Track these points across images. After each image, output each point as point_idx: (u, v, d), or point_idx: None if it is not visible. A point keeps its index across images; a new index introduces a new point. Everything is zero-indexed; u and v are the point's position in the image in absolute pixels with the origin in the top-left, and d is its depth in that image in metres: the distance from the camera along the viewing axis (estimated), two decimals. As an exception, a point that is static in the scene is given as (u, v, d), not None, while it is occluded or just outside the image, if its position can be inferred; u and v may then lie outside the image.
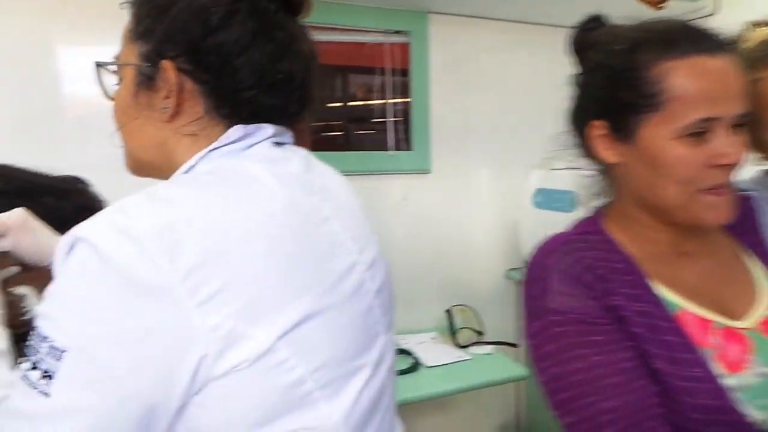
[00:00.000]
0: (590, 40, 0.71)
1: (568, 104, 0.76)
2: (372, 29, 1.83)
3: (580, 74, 0.74)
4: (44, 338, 0.48)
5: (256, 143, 0.60)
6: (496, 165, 2.06)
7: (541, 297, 0.67)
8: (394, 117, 1.92)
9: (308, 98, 0.65)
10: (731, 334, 0.64)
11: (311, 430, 0.54)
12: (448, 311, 1.86)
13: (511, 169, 2.06)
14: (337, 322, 0.57)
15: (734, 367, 0.62)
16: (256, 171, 0.57)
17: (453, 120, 1.97)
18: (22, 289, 0.79)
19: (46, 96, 1.49)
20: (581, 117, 0.72)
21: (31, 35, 1.46)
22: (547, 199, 1.88)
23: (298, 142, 0.70)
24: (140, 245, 0.47)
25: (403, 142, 1.93)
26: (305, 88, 0.64)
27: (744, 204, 0.76)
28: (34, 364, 0.48)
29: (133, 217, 0.48)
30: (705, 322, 0.64)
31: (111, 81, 0.66)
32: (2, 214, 0.80)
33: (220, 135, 0.59)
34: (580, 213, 1.86)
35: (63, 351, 0.47)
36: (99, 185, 1.09)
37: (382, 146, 1.91)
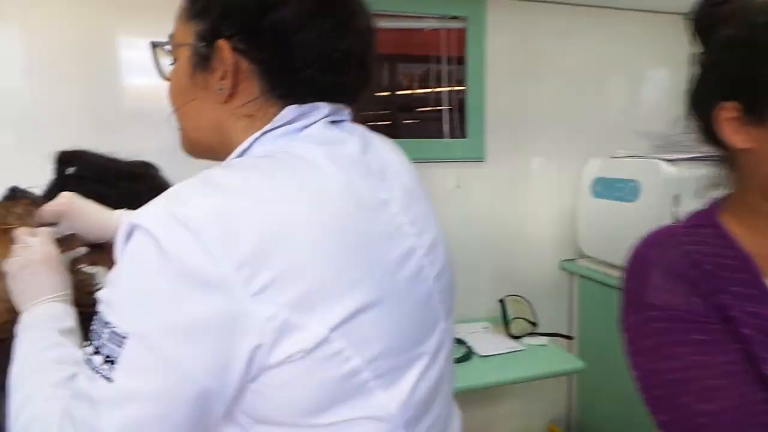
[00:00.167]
0: (720, 14, 0.64)
1: (688, 85, 0.68)
2: (428, 15, 1.81)
3: (705, 53, 0.66)
4: (106, 324, 0.49)
5: (312, 123, 0.59)
6: (552, 153, 2.01)
7: (640, 290, 0.64)
8: (449, 104, 1.90)
9: (367, 77, 0.63)
10: None
11: (368, 420, 0.53)
12: (501, 301, 1.84)
13: (567, 157, 2.01)
14: (394, 311, 0.55)
15: None
16: (311, 154, 0.55)
17: (509, 107, 1.93)
18: (91, 268, 0.83)
19: (107, 85, 1.55)
20: (707, 99, 0.65)
21: (93, 26, 1.52)
22: (607, 188, 1.82)
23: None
24: (196, 235, 0.46)
25: (458, 130, 1.91)
26: (364, 66, 0.62)
27: None
28: (97, 348, 0.49)
29: (188, 205, 0.48)
30: None
31: (166, 61, 0.65)
32: (50, 202, 0.81)
33: (276, 116, 0.58)
34: (641, 203, 1.79)
35: (123, 337, 0.47)
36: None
37: (436, 134, 1.89)
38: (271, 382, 0.50)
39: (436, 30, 1.83)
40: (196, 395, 0.48)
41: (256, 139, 0.58)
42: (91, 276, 0.82)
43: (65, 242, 0.79)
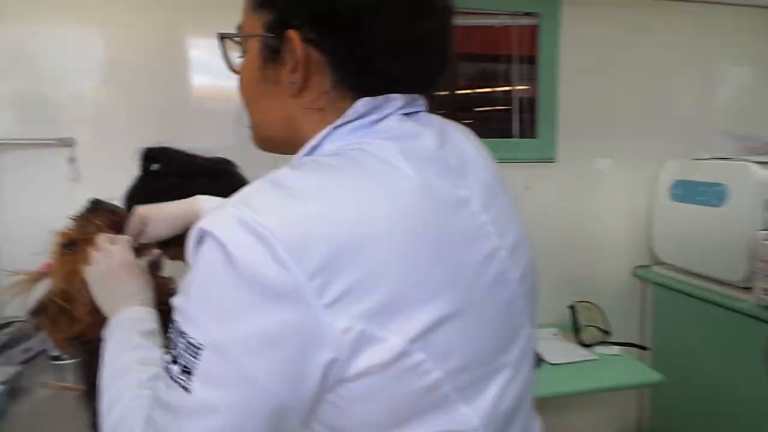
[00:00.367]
0: None
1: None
2: (499, 11, 1.77)
3: None
4: (181, 333, 0.48)
5: (385, 117, 0.55)
6: (626, 154, 1.92)
7: None
8: (519, 103, 1.85)
9: (445, 62, 0.58)
10: None
11: None
12: (571, 307, 1.77)
13: (642, 158, 1.91)
14: (476, 320, 0.52)
15: None
16: (384, 151, 0.52)
17: (581, 106, 1.85)
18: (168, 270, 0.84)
19: (176, 85, 1.59)
20: None
21: (165, 27, 1.56)
22: (688, 191, 1.71)
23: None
24: (266, 243, 0.44)
25: (528, 130, 1.85)
26: (442, 50, 0.57)
27: None
28: (174, 357, 0.48)
29: (259, 211, 0.45)
30: None
31: (236, 54, 0.62)
32: (139, 207, 0.83)
33: (348, 108, 0.54)
34: (729, 208, 1.68)
35: (198, 348, 0.46)
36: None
37: (503, 134, 1.85)
38: (349, 394, 0.48)
39: (506, 27, 1.78)
40: (272, 408, 0.47)
41: (326, 135, 0.55)
42: (169, 279, 0.84)
43: (143, 248, 0.81)
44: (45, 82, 1.50)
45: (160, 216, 0.86)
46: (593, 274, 1.94)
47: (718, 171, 1.62)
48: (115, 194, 1.49)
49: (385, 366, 0.46)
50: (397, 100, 0.56)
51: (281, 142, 0.62)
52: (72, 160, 1.49)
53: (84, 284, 0.75)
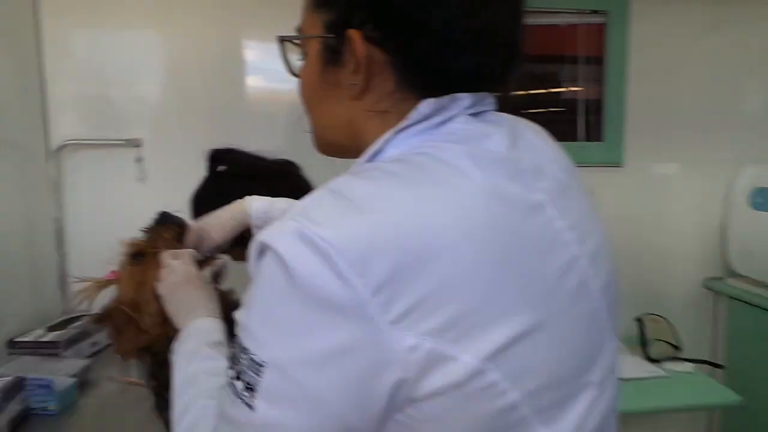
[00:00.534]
0: None
1: None
2: (564, 9, 1.71)
3: None
4: (244, 349, 0.46)
5: (451, 118, 0.52)
6: (698, 158, 1.81)
7: None
8: (585, 105, 1.78)
9: (514, 56, 0.54)
10: None
11: None
12: (638, 320, 1.68)
13: (716, 163, 1.80)
14: (556, 335, 0.48)
15: None
16: (451, 155, 0.49)
17: (650, 108, 1.77)
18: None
19: (232, 86, 1.61)
20: None
21: (221, 30, 1.59)
22: (771, 199, 1.60)
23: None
24: (327, 257, 0.42)
25: (594, 133, 1.78)
26: (512, 42, 0.54)
27: None
28: (237, 373, 0.47)
29: (318, 223, 0.43)
30: None
31: (296, 56, 0.60)
32: (197, 220, 0.85)
33: (412, 110, 0.51)
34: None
35: (261, 366, 0.45)
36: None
37: (567, 137, 1.78)
38: (419, 415, 0.45)
39: (572, 26, 1.72)
40: (337, 428, 0.44)
41: (388, 140, 0.52)
42: (230, 291, 0.84)
43: (206, 258, 0.83)
44: (110, 85, 1.55)
45: (213, 225, 0.89)
46: (661, 286, 1.84)
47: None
48: (177, 195, 1.53)
49: (457, 386, 0.43)
50: (464, 99, 0.52)
51: (343, 147, 0.59)
52: (139, 160, 1.53)
53: (152, 296, 0.77)
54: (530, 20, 0.57)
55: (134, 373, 1.24)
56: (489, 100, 0.55)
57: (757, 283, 1.68)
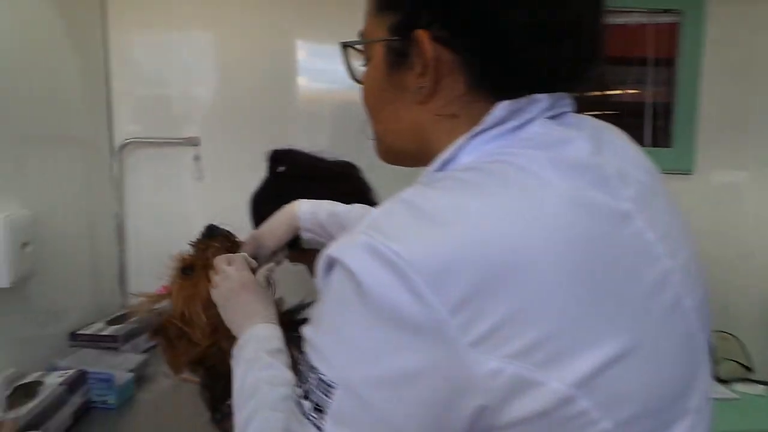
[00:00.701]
0: None
1: None
2: (635, 8, 1.63)
3: None
4: (312, 368, 0.44)
5: (528, 121, 0.48)
6: (775, 167, 1.70)
7: None
8: (653, 109, 1.69)
9: (595, 52, 0.51)
10: None
11: None
12: (706, 337, 1.59)
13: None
14: (651, 359, 0.44)
15: None
16: (529, 162, 0.45)
17: (725, 113, 1.66)
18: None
19: (286, 87, 1.61)
20: None
21: (275, 29, 1.59)
22: None
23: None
24: (400, 273, 0.39)
25: (662, 138, 1.69)
26: (594, 39, 0.50)
27: None
28: (305, 392, 0.45)
29: (392, 237, 0.41)
30: None
31: (358, 62, 0.59)
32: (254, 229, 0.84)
33: (483, 113, 0.48)
34: None
35: (330, 386, 0.42)
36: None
37: (636, 141, 1.69)
38: None
39: (642, 25, 1.64)
40: None
41: (461, 146, 0.49)
42: (280, 299, 0.84)
43: (258, 264, 0.83)
44: (168, 85, 1.58)
45: (266, 232, 0.89)
46: (732, 302, 1.72)
47: None
48: (232, 194, 1.54)
49: (543, 414, 0.40)
50: (542, 100, 0.48)
51: (409, 155, 0.57)
52: (197, 158, 1.55)
53: (202, 308, 0.78)
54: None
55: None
56: (567, 101, 0.52)
57: (840, 303, 1.56)
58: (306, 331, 0.46)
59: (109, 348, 1.28)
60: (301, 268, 1.08)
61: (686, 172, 1.68)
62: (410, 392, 0.41)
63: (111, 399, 1.07)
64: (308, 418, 0.44)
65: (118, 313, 1.45)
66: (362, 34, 0.57)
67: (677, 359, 0.47)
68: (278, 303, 0.83)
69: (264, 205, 1.10)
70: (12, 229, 1.05)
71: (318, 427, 0.43)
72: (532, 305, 0.40)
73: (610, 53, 1.72)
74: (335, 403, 0.42)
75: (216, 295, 0.76)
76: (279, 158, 1.12)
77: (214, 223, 0.83)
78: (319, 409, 0.43)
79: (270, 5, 1.57)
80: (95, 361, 1.19)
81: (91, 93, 1.48)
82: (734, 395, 1.45)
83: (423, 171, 0.53)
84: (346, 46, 0.58)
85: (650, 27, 1.64)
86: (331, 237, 0.85)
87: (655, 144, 1.69)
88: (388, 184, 1.13)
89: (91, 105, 1.48)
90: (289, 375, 0.65)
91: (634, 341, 0.42)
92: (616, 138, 0.55)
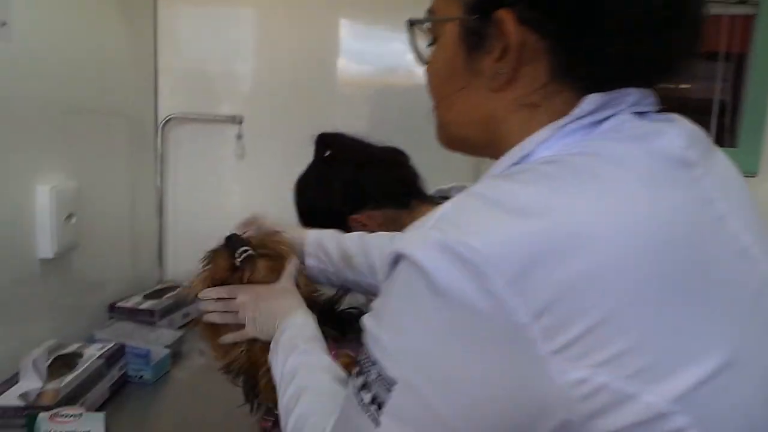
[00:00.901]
0: None
1: None
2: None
3: None
4: (374, 362, 0.42)
5: (612, 116, 0.45)
6: None
7: None
8: (720, 106, 1.60)
9: (697, 46, 0.47)
10: None
11: None
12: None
13: None
14: (754, 371, 0.40)
15: None
16: (619, 154, 0.42)
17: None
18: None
19: (322, 67, 1.57)
20: None
21: (319, 8, 1.54)
22: None
23: None
24: (477, 272, 0.36)
25: (727, 137, 1.59)
26: (696, 30, 0.46)
27: None
28: (365, 383, 0.43)
29: (467, 232, 0.37)
30: None
31: (424, 42, 0.55)
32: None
33: (566, 105, 0.45)
34: None
35: (391, 383, 0.41)
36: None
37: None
38: None
39: (716, 17, 1.54)
40: None
41: (545, 139, 0.45)
42: (315, 289, 0.83)
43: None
44: (212, 63, 1.56)
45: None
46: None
47: None
48: (271, 173, 1.52)
49: (634, 430, 0.36)
50: (632, 95, 0.45)
51: (475, 143, 0.53)
52: (239, 137, 1.53)
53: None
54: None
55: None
56: (652, 98, 0.47)
57: None
58: (367, 322, 0.44)
59: (145, 322, 1.28)
60: None
61: (751, 174, 1.58)
62: (480, 401, 0.38)
63: (147, 374, 1.07)
64: (366, 411, 0.43)
65: (155, 288, 1.46)
66: (431, 11, 0.53)
67: None
68: (316, 294, 0.81)
69: (309, 190, 1.07)
70: (58, 200, 1.05)
71: (375, 421, 0.42)
72: (625, 309, 0.36)
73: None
74: (394, 400, 0.41)
75: (245, 320, 0.75)
76: (326, 142, 1.08)
77: (236, 233, 0.79)
78: (377, 402, 0.42)
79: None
80: (132, 335, 1.19)
81: (139, 68, 1.47)
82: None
83: (492, 164, 0.50)
84: (412, 23, 0.54)
85: (724, 19, 1.54)
86: (334, 265, 0.84)
87: (719, 143, 1.58)
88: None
89: (139, 80, 1.47)
90: (327, 360, 0.66)
91: (737, 352, 0.39)
92: (702, 135, 0.50)
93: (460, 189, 1.08)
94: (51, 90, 1.07)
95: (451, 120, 0.54)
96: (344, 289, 0.85)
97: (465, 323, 0.37)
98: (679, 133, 0.45)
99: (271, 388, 0.72)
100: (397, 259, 0.41)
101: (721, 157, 0.51)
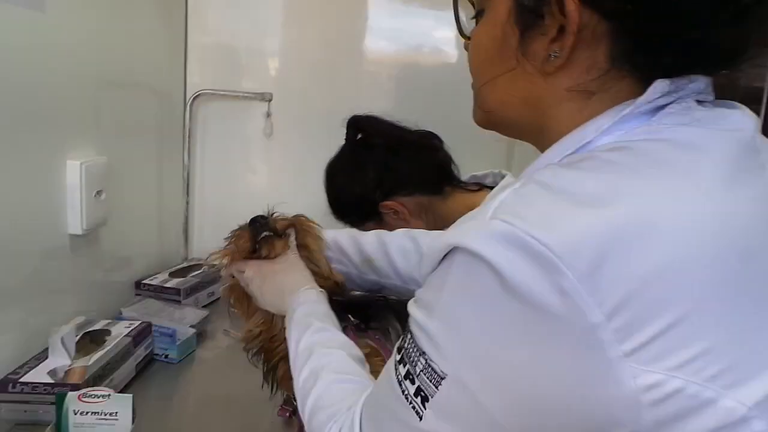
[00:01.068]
0: None
1: None
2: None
3: None
4: (422, 353, 0.41)
5: (675, 102, 0.42)
6: None
7: None
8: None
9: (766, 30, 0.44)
10: None
11: None
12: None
13: None
14: None
15: None
16: (690, 139, 0.39)
17: None
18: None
19: (350, 45, 1.53)
20: None
21: None
22: None
23: None
24: (548, 266, 0.34)
25: (775, 130, 1.52)
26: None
27: None
28: (409, 373, 0.42)
29: (534, 224, 0.35)
30: None
31: (470, 15, 0.52)
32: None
33: (626, 93, 0.42)
34: None
35: (441, 377, 0.39)
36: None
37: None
38: None
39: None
40: None
41: (608, 129, 0.42)
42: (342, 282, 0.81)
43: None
44: (240, 40, 1.52)
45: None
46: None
47: None
48: (298, 153, 1.50)
49: None
50: (697, 81, 0.42)
51: (515, 127, 0.50)
52: (269, 114, 1.51)
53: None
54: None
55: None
56: (711, 87, 0.44)
57: None
58: (415, 311, 0.43)
59: (171, 300, 1.28)
60: None
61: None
62: (534, 404, 0.36)
63: (173, 353, 1.07)
64: (410, 402, 0.42)
65: (181, 266, 1.46)
66: None
67: None
68: (341, 283, 0.80)
69: (340, 176, 1.04)
70: (88, 176, 1.04)
71: (418, 414, 0.41)
72: (704, 307, 0.34)
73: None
74: (442, 395, 0.39)
75: (254, 292, 0.75)
76: (358, 125, 1.05)
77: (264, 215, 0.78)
78: (421, 395, 0.41)
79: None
80: (158, 313, 1.19)
81: (169, 43, 1.45)
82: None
83: (532, 149, 0.48)
84: None
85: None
86: (356, 268, 0.82)
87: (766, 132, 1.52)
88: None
89: (169, 55, 1.45)
90: (342, 337, 0.64)
91: None
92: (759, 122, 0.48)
93: (497, 176, 1.05)
94: (82, 64, 1.05)
95: (493, 102, 0.51)
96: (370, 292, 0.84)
97: (531, 321, 0.35)
98: (745, 119, 0.43)
99: (290, 377, 0.72)
100: (450, 251, 0.39)
101: None
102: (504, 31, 0.46)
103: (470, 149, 1.03)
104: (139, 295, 1.30)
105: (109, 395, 0.73)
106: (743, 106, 0.46)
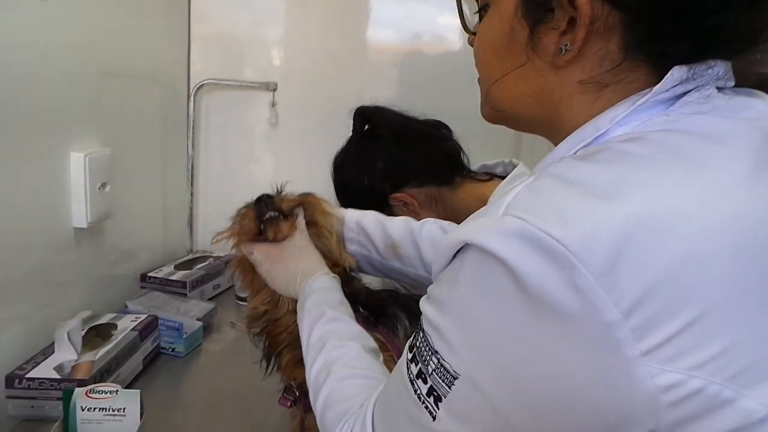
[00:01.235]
0: None
1: None
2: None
3: None
4: (434, 352, 0.40)
5: (695, 89, 0.40)
6: None
7: None
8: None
9: None
10: None
11: None
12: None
13: None
14: None
15: None
16: (709, 129, 0.38)
17: None
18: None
19: (353, 37, 1.51)
20: None
21: None
22: None
23: None
24: (565, 265, 0.33)
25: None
26: None
27: None
28: (421, 372, 0.41)
29: (548, 220, 0.34)
30: None
31: (473, 9, 0.50)
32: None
33: (641, 82, 0.41)
34: None
35: (454, 377, 0.39)
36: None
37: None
38: None
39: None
40: None
41: (623, 120, 0.40)
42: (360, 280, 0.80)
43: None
44: (243, 29, 1.50)
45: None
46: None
47: None
48: (303, 142, 1.48)
49: None
50: (716, 67, 0.41)
51: (525, 121, 0.49)
52: (273, 104, 1.49)
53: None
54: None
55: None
56: (731, 72, 0.43)
57: None
58: (426, 309, 0.42)
59: (177, 293, 1.27)
60: None
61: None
62: (549, 405, 0.35)
63: (179, 347, 1.07)
64: (422, 402, 0.41)
65: (186, 258, 1.45)
66: None
67: None
68: (359, 283, 0.78)
69: (348, 167, 1.02)
70: (92, 168, 1.02)
71: (431, 414, 0.40)
72: (724, 303, 0.33)
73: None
74: (455, 395, 0.39)
75: (264, 274, 0.73)
76: (366, 116, 1.03)
77: (270, 194, 0.75)
78: (434, 395, 0.40)
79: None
80: (164, 306, 1.18)
81: (173, 33, 1.43)
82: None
83: (543, 142, 0.46)
84: None
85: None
86: (379, 253, 0.79)
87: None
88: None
89: (173, 45, 1.43)
90: (355, 327, 0.63)
91: None
92: None
93: (508, 165, 1.03)
94: (85, 55, 1.03)
95: (504, 100, 0.49)
96: (388, 278, 0.82)
97: (545, 320, 0.34)
98: (766, 107, 0.42)
99: (293, 365, 0.71)
100: (462, 248, 0.38)
101: None
102: (512, 25, 0.44)
103: (477, 137, 1.00)
104: (145, 288, 1.30)
105: (117, 391, 0.72)
106: (765, 94, 0.44)
